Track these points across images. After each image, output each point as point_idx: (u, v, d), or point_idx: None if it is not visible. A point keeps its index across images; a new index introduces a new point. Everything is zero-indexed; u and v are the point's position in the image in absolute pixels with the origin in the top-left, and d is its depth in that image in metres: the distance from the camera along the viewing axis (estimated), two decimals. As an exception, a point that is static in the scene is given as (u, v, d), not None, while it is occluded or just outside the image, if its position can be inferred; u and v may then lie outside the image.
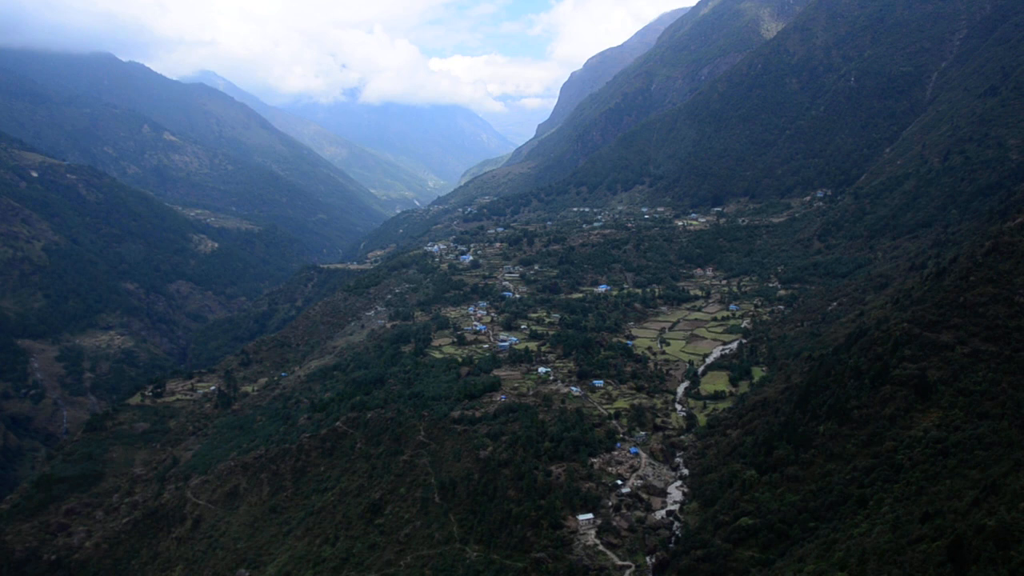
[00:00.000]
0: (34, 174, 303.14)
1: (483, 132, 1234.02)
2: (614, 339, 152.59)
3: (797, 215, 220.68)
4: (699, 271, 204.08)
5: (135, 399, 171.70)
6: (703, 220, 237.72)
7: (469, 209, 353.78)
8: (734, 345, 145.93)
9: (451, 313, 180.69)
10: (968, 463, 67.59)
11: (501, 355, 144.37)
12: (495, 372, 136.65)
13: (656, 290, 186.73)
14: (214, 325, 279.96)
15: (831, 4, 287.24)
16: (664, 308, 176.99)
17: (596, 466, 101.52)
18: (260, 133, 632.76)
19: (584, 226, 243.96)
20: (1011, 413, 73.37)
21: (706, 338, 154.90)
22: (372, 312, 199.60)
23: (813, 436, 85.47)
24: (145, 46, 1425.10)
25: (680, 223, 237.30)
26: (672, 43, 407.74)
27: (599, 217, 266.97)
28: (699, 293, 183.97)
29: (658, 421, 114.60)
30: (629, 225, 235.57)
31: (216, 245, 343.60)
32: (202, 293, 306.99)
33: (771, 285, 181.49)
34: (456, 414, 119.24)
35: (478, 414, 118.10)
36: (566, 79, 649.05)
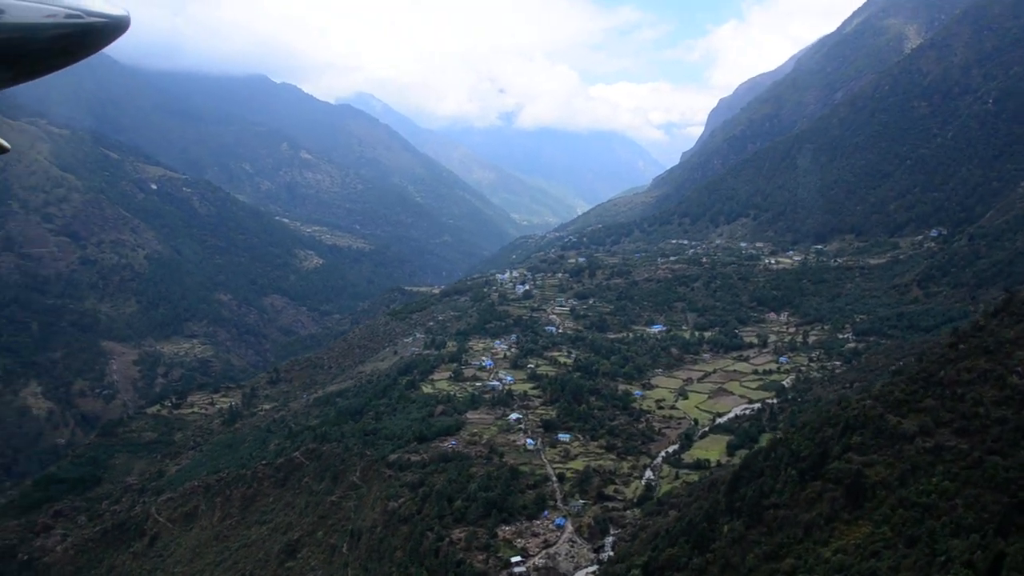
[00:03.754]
0: (153, 186, 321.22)
1: (640, 160, 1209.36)
2: (624, 387, 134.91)
3: (902, 256, 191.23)
4: (772, 315, 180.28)
5: (153, 408, 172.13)
6: (795, 259, 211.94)
7: (569, 237, 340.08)
8: (760, 405, 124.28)
9: (478, 345, 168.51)
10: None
11: (486, 395, 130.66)
12: (469, 414, 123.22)
13: (705, 335, 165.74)
14: (297, 340, 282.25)
15: (977, 16, 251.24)
16: (707, 355, 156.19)
17: (503, 536, 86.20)
18: (401, 154, 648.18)
19: (660, 260, 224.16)
20: (944, 540, 52.58)
21: (734, 394, 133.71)
22: (410, 339, 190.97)
23: (715, 536, 66.76)
24: (302, 69, 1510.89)
25: (770, 261, 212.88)
26: (808, 66, 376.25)
27: (690, 250, 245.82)
28: (754, 341, 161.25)
29: (609, 489, 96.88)
30: (704, 261, 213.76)
31: (321, 262, 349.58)
32: (296, 308, 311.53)
33: (842, 336, 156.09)
34: (393, 457, 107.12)
35: (414, 459, 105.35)
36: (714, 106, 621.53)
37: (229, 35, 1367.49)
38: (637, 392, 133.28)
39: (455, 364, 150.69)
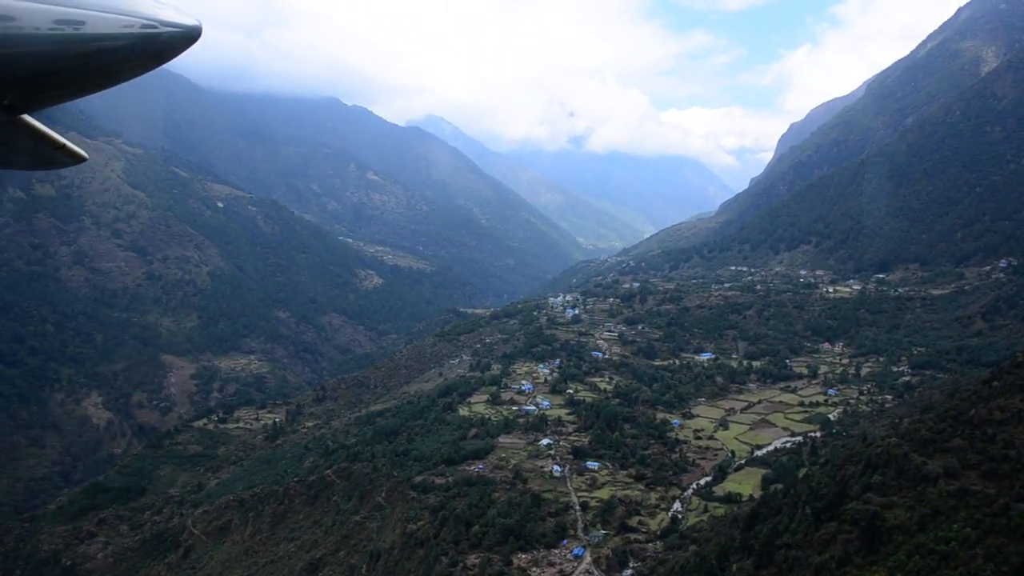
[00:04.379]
0: (219, 204, 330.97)
1: (710, 185, 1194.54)
2: (663, 416, 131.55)
3: (967, 287, 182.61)
4: (826, 346, 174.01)
5: (200, 422, 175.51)
6: (855, 288, 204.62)
7: (628, 262, 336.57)
8: (801, 438, 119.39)
9: (522, 369, 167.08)
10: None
11: (521, 419, 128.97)
12: (501, 438, 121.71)
13: (754, 364, 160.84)
14: (353, 359, 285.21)
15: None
16: (753, 385, 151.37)
17: (517, 564, 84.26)
18: (468, 177, 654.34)
19: (714, 287, 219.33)
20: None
21: (777, 426, 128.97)
22: (456, 360, 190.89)
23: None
24: (373, 92, 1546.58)
25: (828, 290, 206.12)
26: (878, 90, 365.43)
27: (748, 277, 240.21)
28: (804, 371, 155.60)
29: (632, 521, 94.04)
30: (758, 288, 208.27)
31: (381, 281, 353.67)
32: (353, 327, 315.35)
33: (897, 369, 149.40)
34: (418, 479, 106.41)
35: (438, 482, 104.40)
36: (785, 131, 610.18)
37: (302, 58, 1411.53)
38: (675, 421, 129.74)
39: (494, 387, 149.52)
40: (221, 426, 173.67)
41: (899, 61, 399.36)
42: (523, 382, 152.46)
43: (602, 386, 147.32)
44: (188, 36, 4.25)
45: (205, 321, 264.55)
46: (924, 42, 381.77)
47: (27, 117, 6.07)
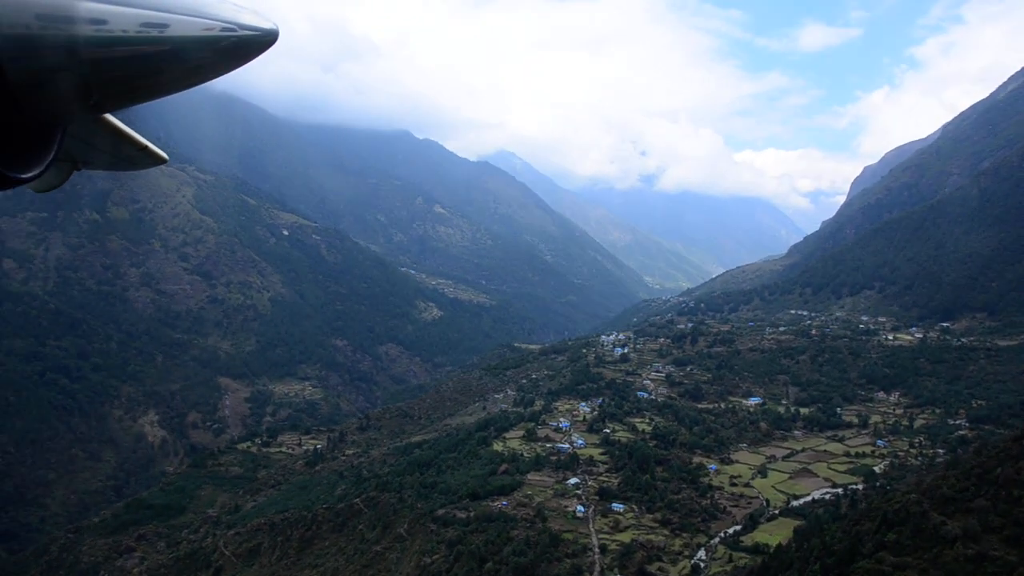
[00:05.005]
0: (285, 232, 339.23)
1: (783, 228, 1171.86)
2: (700, 459, 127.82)
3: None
4: (881, 394, 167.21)
5: (244, 444, 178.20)
6: (916, 335, 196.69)
7: (688, 302, 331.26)
8: (841, 490, 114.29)
9: (564, 406, 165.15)
10: None
11: (553, 457, 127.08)
12: (530, 475, 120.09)
13: (802, 411, 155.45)
14: (407, 390, 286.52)
15: None
16: (799, 432, 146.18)
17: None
18: (535, 212, 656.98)
19: (768, 330, 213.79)
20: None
21: (818, 475, 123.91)
22: (500, 395, 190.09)
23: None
24: (446, 126, 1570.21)
25: (889, 337, 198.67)
26: (954, 133, 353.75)
27: (807, 321, 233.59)
28: (854, 420, 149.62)
29: (652, 567, 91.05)
30: (812, 333, 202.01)
31: (440, 314, 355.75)
32: (410, 358, 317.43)
33: (954, 422, 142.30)
34: (440, 512, 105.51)
35: (460, 516, 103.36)
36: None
37: (377, 92, 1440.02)
38: (712, 466, 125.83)
39: (532, 424, 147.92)
40: (264, 449, 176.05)
41: (977, 104, 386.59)
42: (561, 419, 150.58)
43: (640, 427, 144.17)
44: (266, 39, 4.42)
45: (263, 346, 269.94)
46: (1004, 84, 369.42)
47: (111, 117, 6.45)
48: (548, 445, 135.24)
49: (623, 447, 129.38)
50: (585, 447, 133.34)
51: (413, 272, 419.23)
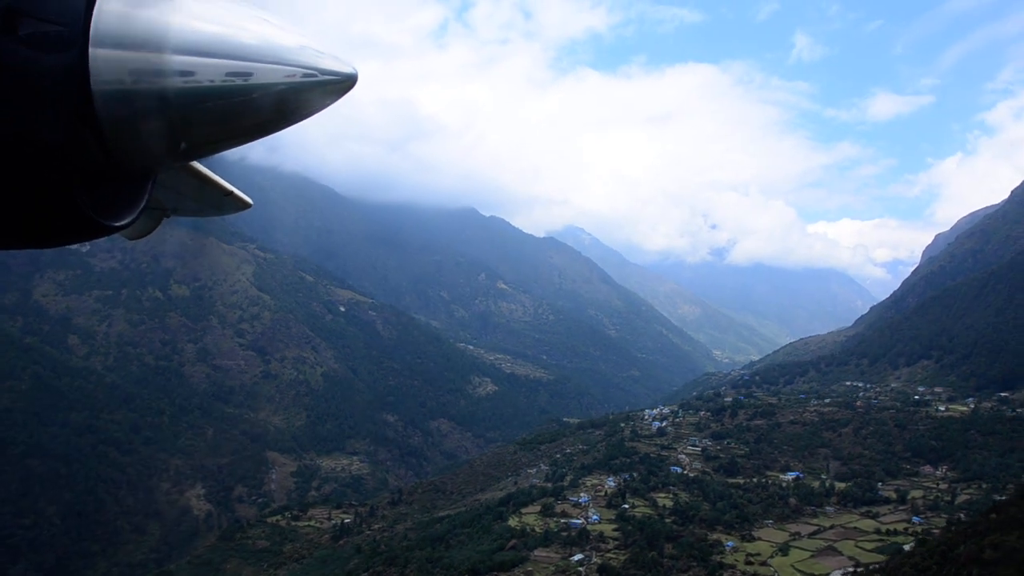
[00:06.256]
0: (342, 308, 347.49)
1: (859, 298, 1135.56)
2: (718, 536, 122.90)
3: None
4: (927, 468, 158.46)
5: (274, 518, 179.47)
6: (971, 406, 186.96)
7: (744, 375, 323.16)
8: (864, 569, 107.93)
9: (591, 481, 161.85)
10: None
11: (564, 533, 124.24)
12: (538, 550, 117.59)
13: (837, 485, 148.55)
14: (455, 464, 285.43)
15: None
16: (831, 508, 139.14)
17: None
18: (600, 287, 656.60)
19: (813, 401, 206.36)
20: None
21: (843, 554, 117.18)
22: (534, 470, 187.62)
23: None
24: (513, 203, 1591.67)
25: (941, 408, 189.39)
26: (1023, 197, 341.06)
27: (863, 392, 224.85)
28: (892, 495, 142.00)
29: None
30: (858, 404, 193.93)
31: (495, 389, 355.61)
32: (461, 433, 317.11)
33: (1000, 497, 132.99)
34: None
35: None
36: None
37: (443, 171, 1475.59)
38: (729, 543, 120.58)
39: (551, 498, 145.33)
40: (294, 523, 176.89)
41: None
42: (582, 494, 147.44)
43: (662, 502, 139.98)
44: (346, 83, 4.57)
45: (313, 420, 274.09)
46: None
47: (197, 164, 6.78)
48: (562, 521, 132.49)
49: (637, 523, 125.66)
50: (599, 522, 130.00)
51: (472, 347, 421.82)
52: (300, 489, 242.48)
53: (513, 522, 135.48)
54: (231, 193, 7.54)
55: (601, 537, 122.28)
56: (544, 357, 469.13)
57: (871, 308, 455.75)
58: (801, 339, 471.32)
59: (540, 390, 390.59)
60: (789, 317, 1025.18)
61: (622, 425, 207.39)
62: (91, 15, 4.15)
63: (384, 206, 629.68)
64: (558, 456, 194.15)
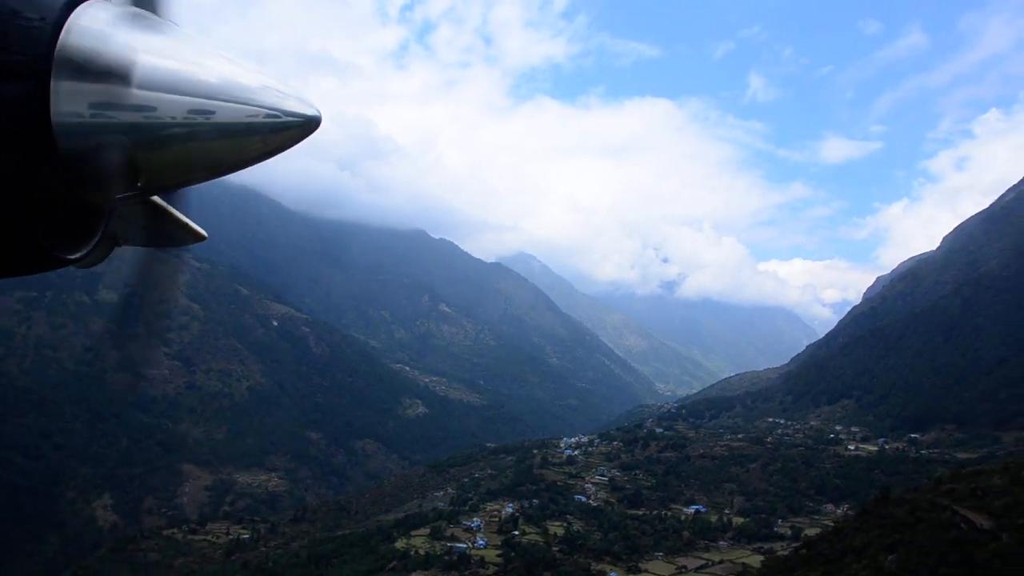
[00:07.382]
0: (274, 323, 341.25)
1: (804, 337, 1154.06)
2: (603, 567, 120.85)
3: (1000, 452, 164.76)
4: (829, 506, 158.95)
5: (170, 531, 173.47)
6: (881, 446, 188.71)
7: (668, 409, 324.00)
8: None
9: (491, 506, 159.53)
10: None
11: (447, 556, 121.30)
12: (416, 573, 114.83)
13: (733, 520, 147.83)
14: (377, 486, 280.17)
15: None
16: (724, 543, 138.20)
17: None
18: (545, 315, 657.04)
19: (727, 436, 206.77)
20: None
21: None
22: (441, 492, 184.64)
23: None
24: (463, 226, 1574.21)
25: (851, 447, 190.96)
26: (951, 243, 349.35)
27: (781, 430, 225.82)
28: (787, 532, 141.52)
29: None
30: (768, 440, 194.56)
31: (425, 411, 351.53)
32: (387, 454, 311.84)
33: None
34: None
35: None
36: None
37: (393, 191, 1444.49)
38: (612, 574, 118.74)
39: (444, 522, 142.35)
40: (190, 536, 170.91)
41: (977, 214, 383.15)
42: (475, 519, 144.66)
43: (553, 530, 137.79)
44: (309, 125, 4.39)
45: (233, 434, 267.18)
46: (1003, 195, 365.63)
47: (156, 199, 6.56)
48: (448, 544, 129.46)
49: (522, 549, 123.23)
50: (484, 547, 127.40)
51: (408, 368, 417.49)
52: (213, 503, 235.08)
53: (400, 544, 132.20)
54: (186, 225, 7.35)
55: (482, 562, 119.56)
56: (481, 382, 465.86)
57: (807, 346, 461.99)
58: (737, 374, 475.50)
59: (472, 415, 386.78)
60: (735, 353, 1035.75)
61: (534, 452, 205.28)
62: (55, 46, 4.11)
63: (333, 223, 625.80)
64: (466, 480, 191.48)
